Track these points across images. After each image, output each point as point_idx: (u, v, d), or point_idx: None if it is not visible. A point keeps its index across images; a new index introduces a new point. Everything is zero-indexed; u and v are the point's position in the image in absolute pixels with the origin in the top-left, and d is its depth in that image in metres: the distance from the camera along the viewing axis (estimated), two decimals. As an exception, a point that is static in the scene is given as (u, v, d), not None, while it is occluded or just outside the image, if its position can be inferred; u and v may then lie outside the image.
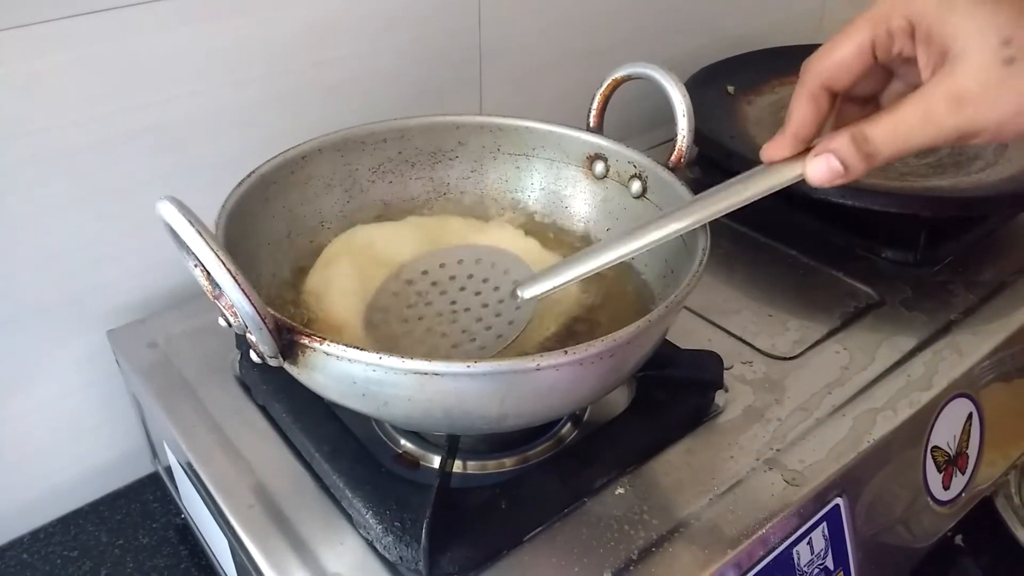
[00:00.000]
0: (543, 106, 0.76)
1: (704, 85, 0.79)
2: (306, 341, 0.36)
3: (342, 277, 0.48)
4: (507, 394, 0.37)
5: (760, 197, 0.40)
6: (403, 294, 0.47)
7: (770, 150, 0.40)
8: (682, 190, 0.48)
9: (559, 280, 0.43)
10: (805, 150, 0.39)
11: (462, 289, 0.46)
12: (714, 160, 0.69)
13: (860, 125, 0.36)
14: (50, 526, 0.59)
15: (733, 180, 0.41)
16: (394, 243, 0.51)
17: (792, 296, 0.61)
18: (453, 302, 0.46)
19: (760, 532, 0.43)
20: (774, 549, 0.44)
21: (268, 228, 0.49)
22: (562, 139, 0.55)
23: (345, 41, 0.62)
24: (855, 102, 0.40)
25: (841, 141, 0.36)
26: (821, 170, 0.37)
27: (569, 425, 0.50)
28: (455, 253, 0.49)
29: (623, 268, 0.52)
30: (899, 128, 0.35)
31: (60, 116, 0.51)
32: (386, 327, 0.45)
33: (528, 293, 0.44)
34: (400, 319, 0.45)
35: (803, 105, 0.39)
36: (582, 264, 0.43)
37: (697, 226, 0.41)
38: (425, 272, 0.48)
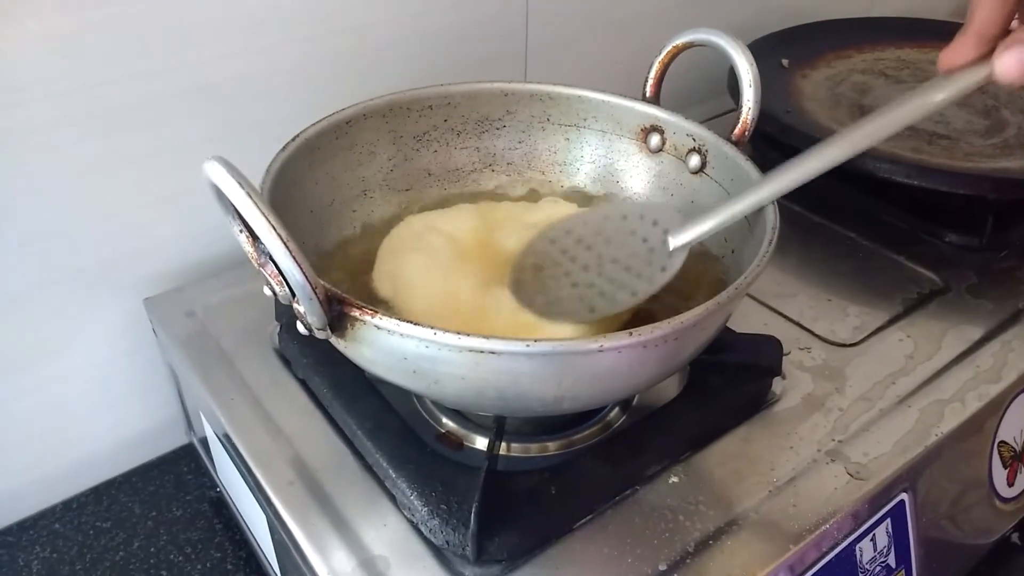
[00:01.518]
0: (588, 76, 0.73)
1: (757, 58, 0.75)
2: (357, 313, 0.34)
3: (415, 265, 0.46)
4: (565, 376, 0.35)
5: (947, 102, 0.36)
6: (549, 253, 0.45)
7: (949, 55, 0.36)
8: (747, 166, 0.45)
9: (711, 223, 0.41)
10: (988, 53, 0.35)
11: (608, 243, 0.44)
12: (768, 136, 0.66)
13: None
14: (82, 496, 0.58)
15: (907, 94, 0.37)
16: (457, 226, 0.49)
17: (851, 280, 0.59)
18: (600, 256, 0.44)
19: (823, 527, 0.41)
20: (836, 545, 0.42)
21: (311, 195, 0.47)
22: (616, 109, 0.52)
23: (394, 3, 0.60)
24: None
25: None
26: (1013, 65, 0.33)
27: (617, 410, 0.48)
28: (601, 211, 0.47)
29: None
30: None
31: (96, 75, 0.49)
32: (533, 284, 0.44)
33: (680, 240, 0.41)
34: (548, 276, 0.44)
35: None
36: (735, 205, 0.40)
37: (877, 142, 0.38)
38: (569, 231, 0.45)
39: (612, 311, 0.41)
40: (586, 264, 0.44)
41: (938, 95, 0.36)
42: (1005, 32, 0.35)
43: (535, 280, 0.44)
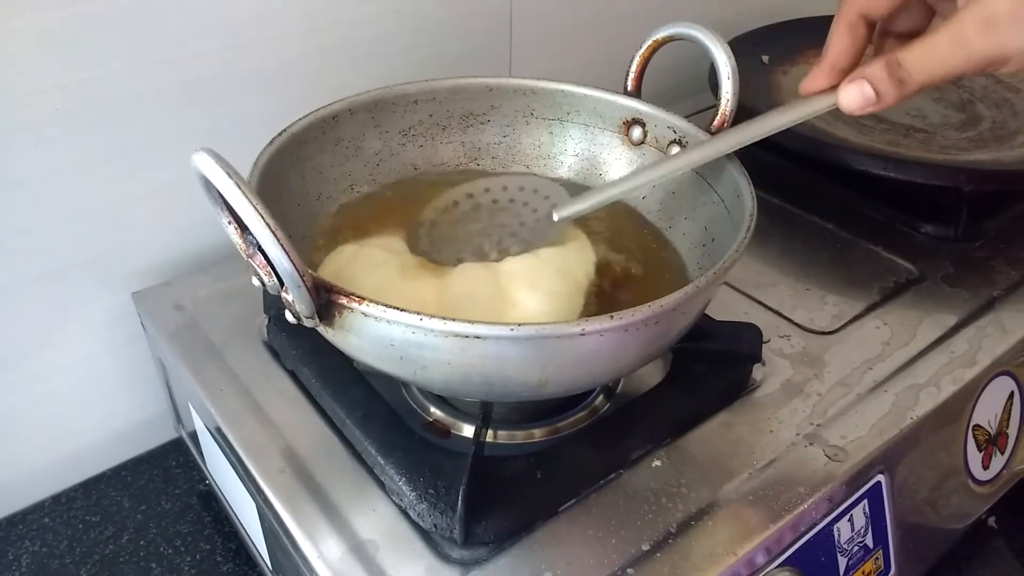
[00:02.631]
0: (572, 71, 0.74)
1: (738, 54, 0.76)
2: (344, 301, 0.34)
3: (367, 278, 0.45)
4: (549, 360, 0.36)
5: (795, 124, 0.41)
6: (449, 211, 0.48)
7: (807, 82, 0.41)
8: (725, 157, 0.46)
9: (592, 201, 0.45)
10: (839, 82, 0.39)
11: (502, 211, 0.48)
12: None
13: (893, 51, 0.36)
14: (72, 490, 0.59)
15: (770, 112, 0.42)
16: (391, 246, 0.48)
17: (829, 270, 0.60)
18: (491, 220, 0.47)
19: (801, 507, 0.42)
20: (815, 525, 0.43)
21: (298, 189, 0.48)
22: (599, 103, 0.53)
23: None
24: (899, 38, 0.41)
25: (874, 67, 0.37)
26: (854, 96, 0.38)
27: (602, 397, 0.49)
28: (501, 180, 0.50)
29: (660, 239, 0.51)
30: (931, 53, 0.35)
31: (83, 71, 0.50)
32: (426, 240, 0.47)
33: (562, 214, 0.46)
34: (440, 234, 0.47)
35: (840, 35, 0.39)
36: (615, 187, 0.45)
37: (731, 151, 0.44)
38: (470, 195, 0.49)
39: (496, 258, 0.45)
40: (481, 228, 0.47)
41: (788, 116, 0.42)
42: (855, 65, 0.39)
43: (430, 235, 0.47)
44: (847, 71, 0.39)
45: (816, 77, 0.40)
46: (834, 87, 0.39)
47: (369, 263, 0.44)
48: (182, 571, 0.53)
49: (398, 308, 0.34)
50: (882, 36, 0.42)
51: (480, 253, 0.46)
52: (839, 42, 0.39)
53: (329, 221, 0.50)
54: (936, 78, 0.36)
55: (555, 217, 0.46)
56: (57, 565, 0.53)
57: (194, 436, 0.56)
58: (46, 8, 0.47)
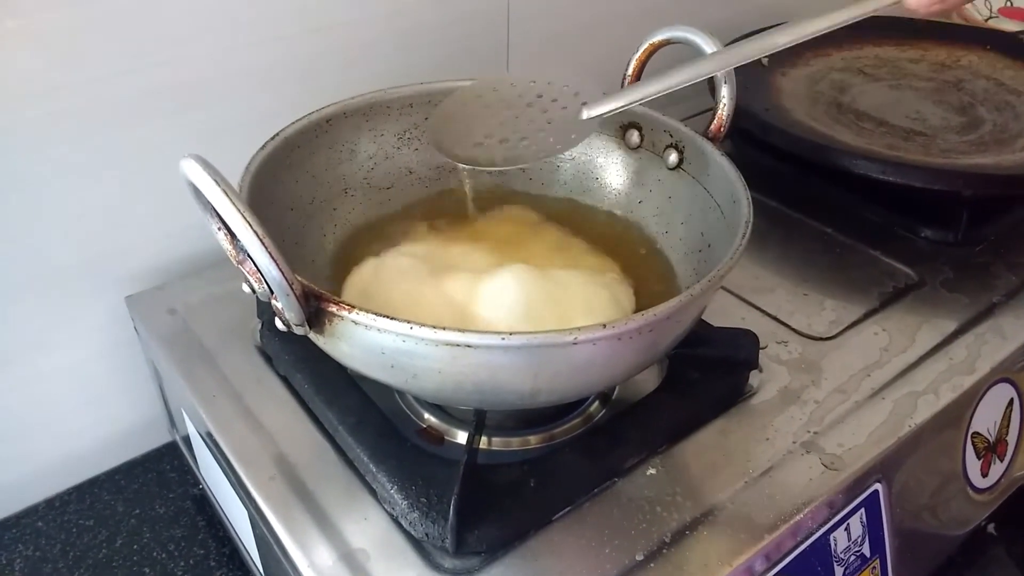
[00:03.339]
0: (569, 73, 0.74)
1: (737, 57, 0.76)
2: (334, 309, 0.34)
3: (397, 289, 0.44)
4: (541, 368, 0.36)
5: (855, 20, 0.39)
6: (470, 105, 0.46)
7: None
8: (722, 160, 0.46)
9: (625, 100, 0.43)
10: None
11: (529, 105, 0.46)
12: (748, 133, 0.67)
13: None
14: (65, 494, 0.58)
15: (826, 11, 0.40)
16: (414, 251, 0.48)
17: (828, 275, 0.59)
18: (516, 117, 0.45)
19: (797, 517, 0.41)
20: (811, 535, 0.42)
21: (292, 193, 0.47)
22: (595, 107, 0.53)
23: (374, 1, 0.60)
24: None
25: None
26: None
27: (597, 404, 0.49)
28: (528, 76, 0.48)
29: (653, 247, 0.50)
30: None
31: (77, 74, 0.49)
32: (449, 128, 0.45)
33: (591, 113, 0.44)
34: (463, 124, 0.45)
35: None
36: (650, 86, 0.43)
37: (783, 48, 0.41)
38: (495, 89, 0.47)
39: (516, 164, 0.44)
40: (503, 121, 0.45)
41: (851, 12, 0.39)
42: None
43: (450, 128, 0.45)
44: None
45: None
46: None
47: (396, 271, 0.44)
48: (175, 576, 0.53)
49: (388, 316, 0.33)
50: None
51: (501, 143, 0.44)
52: None
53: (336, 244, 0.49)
54: None
55: (584, 115, 0.44)
56: (50, 569, 0.53)
57: (187, 440, 0.55)
58: (39, 10, 0.47)
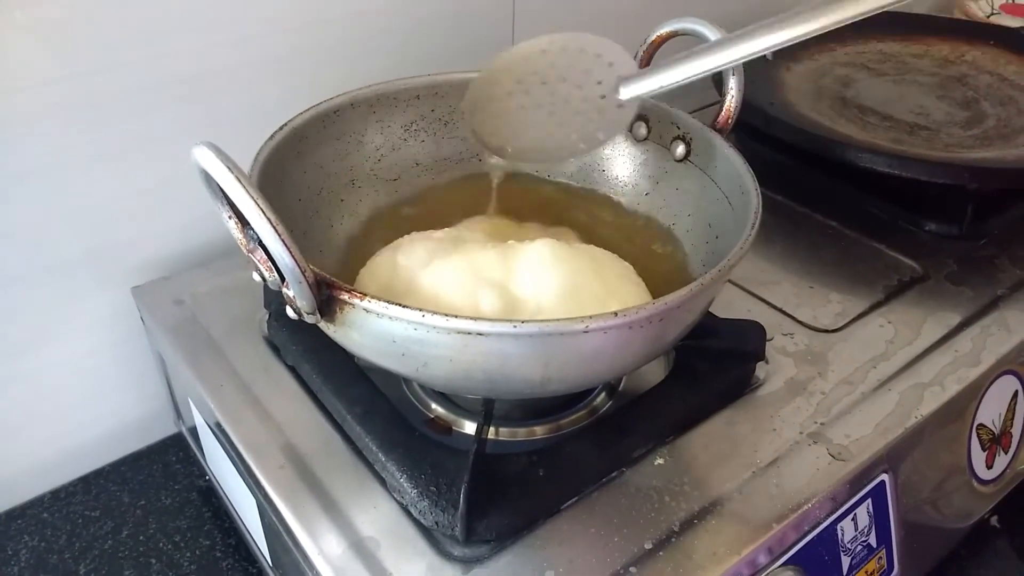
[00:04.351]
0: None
1: (742, 50, 0.77)
2: (346, 297, 0.34)
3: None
4: (552, 357, 0.36)
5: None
6: (502, 82, 0.44)
7: None
8: (730, 152, 0.46)
9: (664, 80, 0.40)
10: None
11: (563, 80, 0.43)
12: (753, 127, 0.67)
13: None
14: (71, 485, 0.58)
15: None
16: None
17: (833, 268, 0.59)
18: (553, 93, 0.43)
19: (805, 507, 0.41)
20: (818, 525, 0.42)
21: (299, 184, 0.47)
22: (602, 99, 0.53)
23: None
24: None
25: None
26: None
27: (604, 395, 0.49)
28: (557, 40, 0.44)
29: (665, 236, 0.50)
30: None
31: (83, 65, 0.49)
32: (485, 112, 0.43)
33: (629, 93, 0.41)
34: (500, 107, 0.43)
35: None
36: (692, 63, 0.39)
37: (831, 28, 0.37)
38: (525, 59, 0.44)
39: (559, 157, 0.42)
40: (539, 102, 0.43)
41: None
42: None
43: (487, 112, 0.43)
44: None
45: None
46: None
47: (417, 258, 0.42)
48: (181, 566, 0.53)
49: (400, 304, 0.33)
50: None
51: (543, 133, 0.41)
52: None
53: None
54: None
55: (622, 96, 0.41)
56: (56, 560, 0.53)
57: (194, 431, 0.55)
58: (45, 0, 0.47)
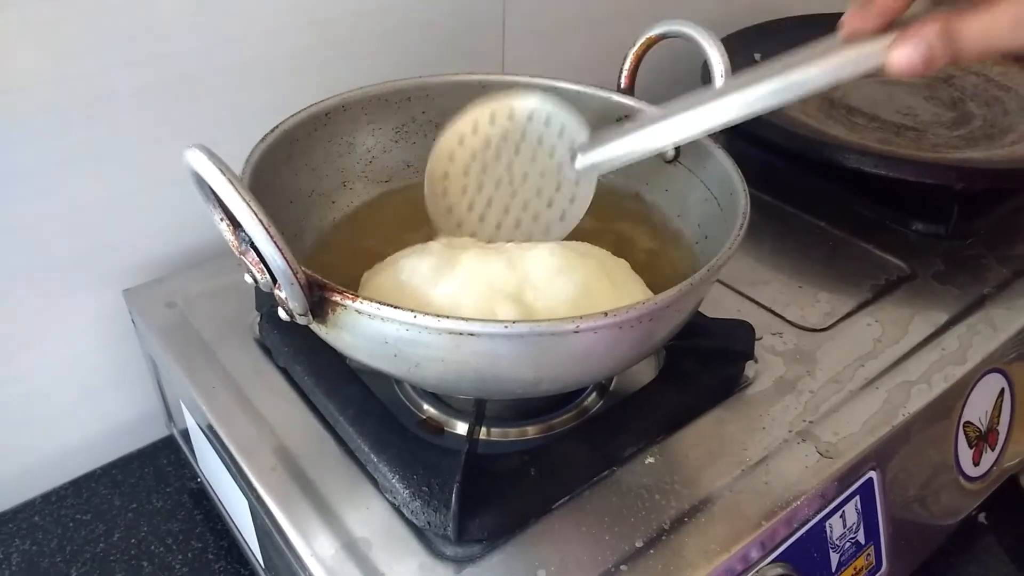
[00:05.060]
0: (565, 69, 0.74)
1: (731, 52, 0.77)
2: (338, 298, 0.34)
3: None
4: (543, 357, 0.36)
5: (835, 85, 0.36)
6: (458, 158, 0.43)
7: (851, 20, 0.35)
8: (720, 154, 0.46)
9: (619, 151, 0.39)
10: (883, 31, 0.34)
11: (517, 152, 0.43)
12: (743, 130, 0.67)
13: (950, 19, 0.32)
14: (62, 489, 0.58)
15: (805, 54, 0.36)
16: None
17: (821, 268, 0.60)
18: (509, 168, 0.42)
19: (794, 504, 0.42)
20: (807, 522, 0.43)
21: (291, 186, 0.48)
22: (592, 100, 0.53)
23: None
24: None
25: (931, 31, 0.32)
26: (907, 57, 0.33)
27: (594, 395, 0.49)
28: (504, 104, 0.44)
29: (654, 237, 0.51)
30: (991, 29, 0.32)
31: (75, 66, 0.49)
32: (448, 199, 0.43)
33: (583, 163, 0.40)
34: (460, 189, 0.43)
35: None
36: (649, 132, 0.38)
37: (782, 105, 0.37)
38: (475, 128, 0.44)
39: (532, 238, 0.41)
40: (499, 179, 0.42)
41: (826, 78, 0.36)
42: (904, 8, 0.34)
43: (446, 194, 0.42)
44: (895, 15, 0.34)
45: (863, 16, 0.34)
46: (878, 30, 0.34)
47: (425, 265, 0.41)
48: (173, 569, 0.53)
49: (391, 305, 0.34)
50: None
51: (512, 212, 0.40)
52: None
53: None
54: (987, 54, 0.33)
55: (577, 164, 0.40)
56: (47, 564, 0.53)
57: (185, 434, 0.55)
58: (38, 1, 0.47)
